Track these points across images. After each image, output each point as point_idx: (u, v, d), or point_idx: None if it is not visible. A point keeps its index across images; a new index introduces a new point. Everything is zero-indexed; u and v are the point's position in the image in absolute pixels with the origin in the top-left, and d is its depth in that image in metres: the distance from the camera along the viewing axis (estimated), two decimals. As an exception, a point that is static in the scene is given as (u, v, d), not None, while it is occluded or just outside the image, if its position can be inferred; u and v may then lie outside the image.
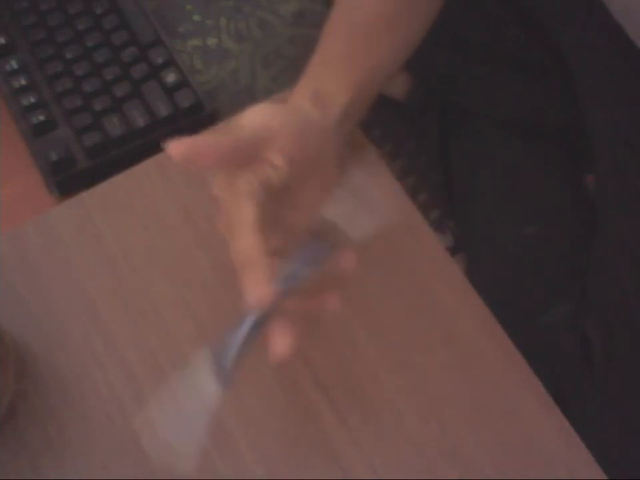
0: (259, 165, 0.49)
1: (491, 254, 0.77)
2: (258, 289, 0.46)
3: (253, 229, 0.48)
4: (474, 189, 0.81)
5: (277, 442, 0.55)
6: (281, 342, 0.47)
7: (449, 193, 0.84)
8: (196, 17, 0.83)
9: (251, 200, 0.48)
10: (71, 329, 0.59)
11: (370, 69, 0.58)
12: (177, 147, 0.46)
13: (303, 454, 0.55)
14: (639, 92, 0.68)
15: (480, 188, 0.80)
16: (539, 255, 0.75)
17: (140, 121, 0.70)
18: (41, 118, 0.71)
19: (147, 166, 0.66)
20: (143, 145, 0.70)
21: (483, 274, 0.75)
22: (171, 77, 0.72)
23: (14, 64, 0.74)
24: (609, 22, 0.65)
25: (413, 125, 0.88)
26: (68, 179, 0.69)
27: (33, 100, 0.72)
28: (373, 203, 0.51)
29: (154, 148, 0.67)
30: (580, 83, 0.73)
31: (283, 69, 0.80)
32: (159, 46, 0.74)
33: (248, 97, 0.78)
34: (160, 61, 0.73)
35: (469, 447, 0.55)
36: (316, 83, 0.56)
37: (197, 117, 0.72)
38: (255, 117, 0.50)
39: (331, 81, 0.56)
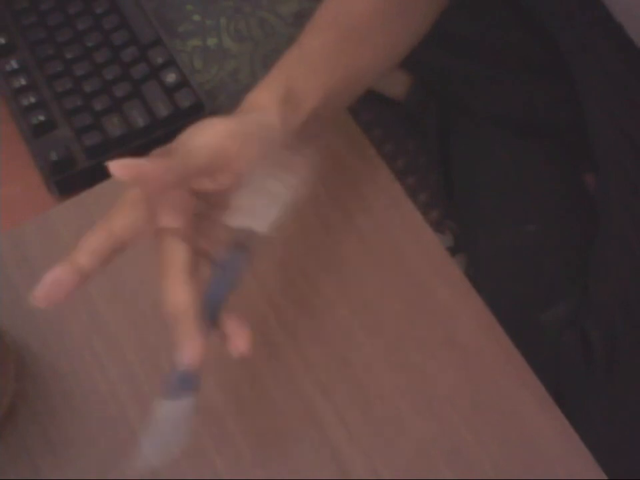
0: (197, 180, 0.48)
1: (491, 253, 0.77)
2: (190, 344, 0.46)
3: (182, 277, 0.47)
4: (474, 189, 0.81)
5: (277, 442, 0.55)
6: (240, 341, 0.47)
7: (449, 193, 0.84)
8: (196, 17, 0.83)
9: (178, 242, 0.47)
10: (71, 329, 0.59)
11: (352, 70, 0.56)
12: (120, 168, 0.45)
13: (302, 454, 0.55)
14: (639, 91, 0.68)
15: (480, 187, 0.80)
16: (539, 254, 0.75)
17: (140, 121, 0.70)
18: (41, 118, 0.71)
19: (147, 166, 0.66)
20: (143, 145, 0.70)
21: (482, 274, 0.75)
22: (170, 77, 0.72)
23: (14, 64, 0.74)
24: (609, 22, 0.65)
25: (413, 125, 0.88)
26: (68, 179, 0.69)
27: (33, 100, 0.72)
28: (269, 189, 0.48)
29: (154, 148, 0.67)
30: (580, 82, 0.73)
31: (283, 69, 0.80)
32: (158, 46, 0.74)
33: (248, 96, 0.78)
34: (160, 61, 0.73)
35: (469, 447, 0.55)
36: (289, 79, 0.53)
37: (196, 117, 0.72)
38: (209, 140, 0.48)
39: (305, 78, 0.54)
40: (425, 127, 0.87)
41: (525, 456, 0.54)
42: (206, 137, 0.49)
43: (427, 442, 0.55)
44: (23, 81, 0.73)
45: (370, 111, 0.88)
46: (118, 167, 0.45)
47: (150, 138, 0.71)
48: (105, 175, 0.65)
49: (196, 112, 0.72)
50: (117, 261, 0.62)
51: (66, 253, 0.62)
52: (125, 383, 0.57)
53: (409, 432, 0.55)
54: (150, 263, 0.62)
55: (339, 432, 0.55)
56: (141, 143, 0.71)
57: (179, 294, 0.46)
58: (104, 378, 0.57)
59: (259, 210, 0.48)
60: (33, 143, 0.71)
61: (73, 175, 0.69)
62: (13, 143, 0.71)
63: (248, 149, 0.48)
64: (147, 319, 0.59)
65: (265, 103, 0.52)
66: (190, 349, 0.46)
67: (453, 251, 0.81)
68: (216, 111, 0.73)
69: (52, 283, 0.45)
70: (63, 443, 0.56)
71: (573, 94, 0.74)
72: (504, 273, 0.76)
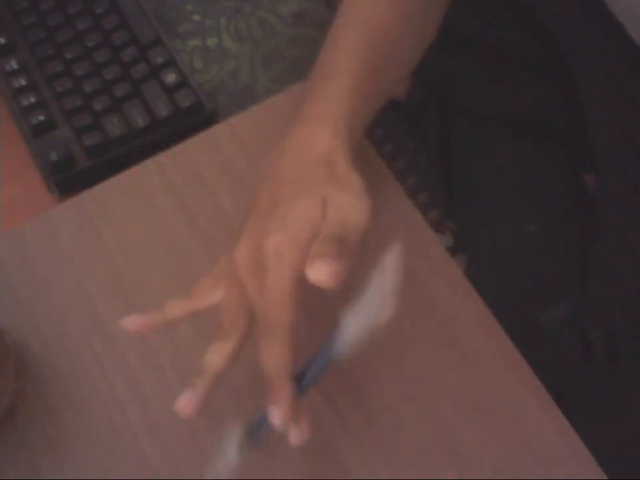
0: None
1: (491, 253, 0.77)
2: (283, 406, 0.46)
3: (287, 340, 0.47)
4: (474, 189, 0.81)
5: (277, 442, 0.55)
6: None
7: (449, 193, 0.84)
8: (196, 17, 0.83)
9: (291, 305, 0.47)
10: (70, 329, 0.59)
11: (381, 93, 0.58)
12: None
13: (303, 454, 0.55)
14: (639, 91, 0.68)
15: (480, 187, 0.80)
16: (539, 254, 0.75)
17: (140, 121, 0.70)
18: (41, 118, 0.71)
19: (147, 166, 0.66)
20: (142, 145, 0.70)
21: (483, 274, 0.75)
22: (170, 77, 0.72)
23: (14, 64, 0.74)
24: (609, 22, 0.65)
25: (413, 125, 0.88)
26: (68, 179, 0.69)
27: (33, 100, 0.72)
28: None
29: (154, 148, 0.68)
30: (580, 82, 0.73)
31: (282, 69, 0.80)
32: (158, 46, 0.74)
33: (248, 96, 0.78)
34: (160, 61, 0.73)
35: (469, 447, 0.55)
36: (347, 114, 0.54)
37: (196, 117, 0.72)
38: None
39: (357, 115, 0.55)
40: (425, 127, 0.87)
41: (525, 456, 0.54)
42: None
43: (427, 442, 0.55)
44: (22, 81, 0.73)
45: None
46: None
47: (150, 138, 0.71)
48: (105, 174, 0.66)
49: (196, 112, 0.72)
50: (117, 260, 0.62)
51: (66, 253, 0.62)
52: (124, 383, 0.57)
53: (409, 432, 0.55)
54: (150, 263, 0.62)
55: (339, 432, 0.55)
56: (141, 143, 0.71)
57: (284, 356, 0.47)
58: (104, 378, 0.57)
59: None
60: (33, 143, 0.71)
61: (73, 175, 0.69)
62: (13, 143, 0.71)
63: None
64: (147, 319, 0.59)
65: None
66: (282, 411, 0.46)
67: (453, 251, 0.81)
68: (216, 111, 0.73)
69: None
70: (63, 442, 0.56)
71: (573, 94, 0.74)
72: (504, 273, 0.76)
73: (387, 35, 0.58)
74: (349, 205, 0.50)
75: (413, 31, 0.60)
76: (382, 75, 0.58)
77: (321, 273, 0.45)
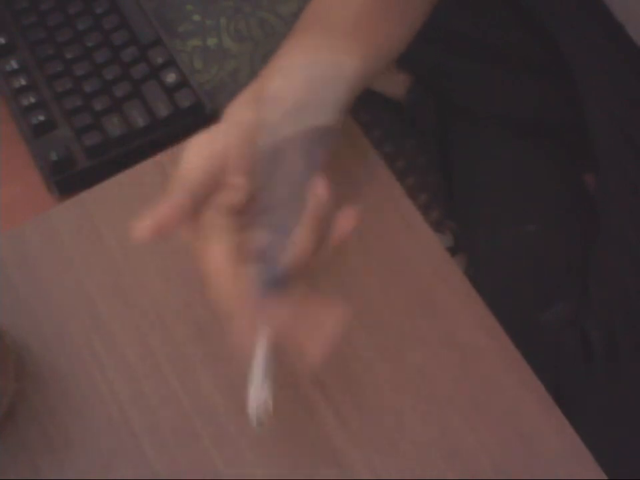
0: (220, 192, 0.48)
1: (491, 253, 0.77)
2: (244, 338, 0.46)
3: (226, 272, 0.47)
4: (474, 188, 0.81)
5: (277, 442, 0.55)
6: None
7: (449, 193, 0.84)
8: (196, 17, 0.83)
9: (219, 239, 0.47)
10: (70, 329, 0.59)
11: (378, 45, 0.57)
12: (143, 230, 0.47)
13: (303, 454, 0.55)
14: (639, 91, 0.68)
15: (480, 187, 0.80)
16: (539, 254, 0.75)
17: (140, 121, 0.70)
18: (41, 118, 0.71)
19: (147, 166, 0.66)
20: (142, 145, 0.70)
21: (483, 274, 0.75)
22: (170, 77, 0.72)
23: (14, 64, 0.74)
24: (609, 22, 0.65)
25: (412, 125, 0.88)
26: (68, 179, 0.69)
27: (33, 100, 0.72)
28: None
29: (154, 148, 0.68)
30: (580, 81, 0.73)
31: (283, 69, 0.80)
32: (158, 46, 0.74)
33: (248, 96, 0.78)
34: (160, 61, 0.73)
35: (469, 447, 0.55)
36: (320, 40, 0.54)
37: (196, 117, 0.72)
38: (194, 156, 0.49)
39: (341, 45, 0.54)
40: (425, 127, 0.87)
41: (525, 456, 0.54)
42: (189, 154, 0.49)
43: (427, 442, 0.55)
44: (22, 81, 0.73)
45: (369, 111, 0.88)
46: (141, 230, 0.47)
47: (150, 138, 0.71)
48: (105, 174, 0.66)
49: (196, 112, 0.72)
50: (117, 260, 0.62)
51: (66, 253, 0.62)
52: (124, 383, 0.57)
53: (409, 432, 0.55)
54: (150, 263, 0.62)
55: (339, 432, 0.55)
56: (141, 143, 0.71)
57: (229, 290, 0.47)
58: (104, 378, 0.57)
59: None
60: (33, 143, 0.71)
61: (73, 175, 0.69)
62: (13, 143, 0.71)
63: (234, 144, 0.49)
64: (147, 319, 0.59)
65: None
66: (245, 343, 0.47)
67: (453, 250, 0.81)
68: (216, 111, 0.73)
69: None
70: (63, 442, 0.56)
71: (573, 94, 0.74)
72: (504, 273, 0.76)
73: (361, 13, 0.57)
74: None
75: (394, 15, 0.59)
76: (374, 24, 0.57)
77: None
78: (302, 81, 0.52)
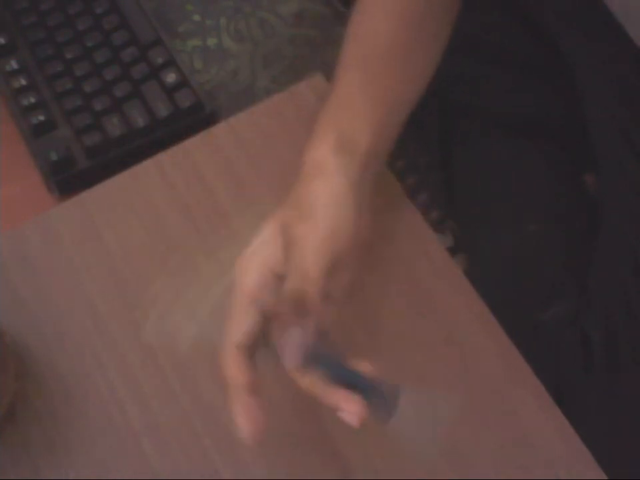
0: None
1: (491, 253, 0.77)
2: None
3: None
4: (474, 188, 0.81)
5: (277, 442, 0.55)
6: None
7: (449, 193, 0.84)
8: (196, 17, 0.83)
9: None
10: (70, 329, 0.59)
11: (391, 102, 0.58)
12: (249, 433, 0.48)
13: (303, 454, 0.55)
14: (639, 91, 0.68)
15: (480, 187, 0.80)
16: (539, 253, 0.75)
17: (140, 121, 0.70)
18: (41, 118, 0.71)
19: (147, 166, 0.66)
20: (142, 145, 0.70)
21: (482, 274, 0.75)
22: (170, 77, 0.72)
23: (14, 64, 0.74)
24: (609, 21, 0.65)
25: (412, 125, 0.88)
26: (68, 179, 0.69)
27: (32, 100, 0.72)
28: None
29: (154, 148, 0.68)
30: (580, 82, 0.73)
31: (283, 69, 0.80)
32: (158, 46, 0.74)
33: (248, 96, 0.78)
34: (160, 61, 0.73)
35: (469, 447, 0.55)
36: (337, 125, 0.55)
37: (196, 117, 0.72)
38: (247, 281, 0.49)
39: (352, 121, 0.55)
40: (425, 127, 0.87)
41: (525, 456, 0.54)
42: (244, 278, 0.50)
43: (427, 442, 0.55)
44: (23, 81, 0.73)
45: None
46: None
47: (150, 138, 0.71)
48: (105, 174, 0.66)
49: (196, 112, 0.72)
50: (117, 260, 0.62)
51: (66, 253, 0.62)
52: (124, 383, 0.57)
53: (409, 432, 0.55)
54: (150, 263, 0.62)
55: (339, 432, 0.55)
56: (141, 143, 0.71)
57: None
58: (104, 378, 0.57)
59: None
60: (33, 143, 0.71)
61: (73, 175, 0.69)
62: (13, 143, 0.71)
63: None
64: (147, 320, 0.59)
65: (321, 157, 0.53)
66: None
67: (453, 250, 0.81)
68: (216, 111, 0.73)
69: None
70: (63, 442, 0.56)
71: (573, 94, 0.74)
72: (504, 273, 0.75)
73: (392, 47, 0.58)
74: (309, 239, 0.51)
75: (424, 43, 0.60)
76: (384, 83, 0.58)
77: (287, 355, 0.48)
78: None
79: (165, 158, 0.66)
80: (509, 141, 0.80)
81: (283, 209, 0.53)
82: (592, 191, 0.79)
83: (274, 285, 0.49)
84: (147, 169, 0.66)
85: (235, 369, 0.48)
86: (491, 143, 0.81)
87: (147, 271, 0.61)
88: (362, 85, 0.57)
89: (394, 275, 0.61)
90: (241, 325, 0.49)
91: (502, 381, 0.57)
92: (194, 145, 0.67)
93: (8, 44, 0.75)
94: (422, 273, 0.61)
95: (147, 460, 0.55)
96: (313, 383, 0.48)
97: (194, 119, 0.72)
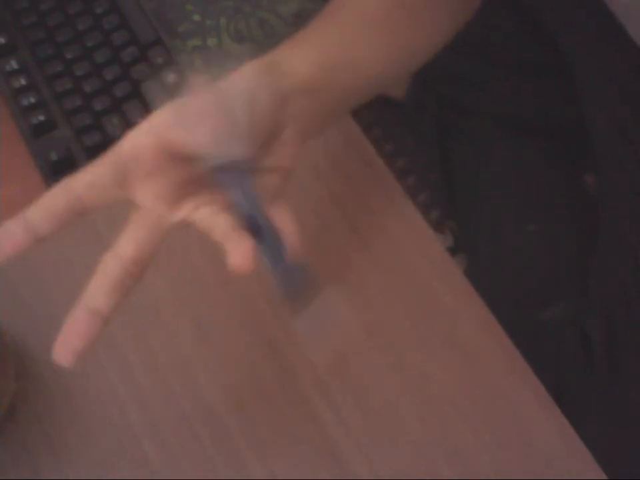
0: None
1: (491, 253, 0.77)
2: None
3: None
4: (474, 188, 0.81)
5: (277, 442, 0.55)
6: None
7: (449, 193, 0.84)
8: (196, 17, 0.83)
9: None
10: (71, 329, 0.59)
11: (350, 60, 0.54)
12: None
13: (302, 454, 0.55)
14: (639, 91, 0.68)
15: (480, 187, 0.80)
16: (539, 253, 0.75)
17: (140, 121, 0.70)
18: (41, 118, 0.71)
19: (147, 166, 0.66)
20: (142, 145, 0.70)
21: (483, 274, 0.75)
22: (171, 77, 0.72)
23: (14, 64, 0.74)
24: (609, 22, 0.65)
25: (412, 125, 0.88)
26: (68, 179, 0.69)
27: (32, 100, 0.72)
28: None
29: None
30: (580, 81, 0.73)
31: (283, 69, 0.80)
32: (158, 46, 0.74)
33: (248, 96, 0.78)
34: (160, 60, 0.73)
35: (469, 447, 0.55)
36: (273, 54, 0.52)
37: (196, 117, 0.72)
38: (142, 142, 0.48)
39: (292, 52, 0.53)
40: (425, 127, 0.87)
41: (525, 456, 0.54)
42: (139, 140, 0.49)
43: (426, 442, 0.55)
44: (23, 81, 0.73)
45: (370, 111, 0.88)
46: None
47: (150, 138, 0.71)
48: (104, 175, 0.66)
49: (196, 112, 0.72)
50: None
51: (66, 253, 0.62)
52: (124, 383, 0.57)
53: (409, 432, 0.55)
54: (150, 263, 0.62)
55: (339, 432, 0.55)
56: (141, 143, 0.70)
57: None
58: (104, 378, 0.57)
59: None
60: (33, 143, 0.71)
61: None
62: (13, 143, 0.71)
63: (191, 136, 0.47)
64: (147, 319, 0.59)
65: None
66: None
67: (453, 250, 0.81)
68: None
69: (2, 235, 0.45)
70: (63, 443, 0.56)
71: (573, 94, 0.74)
72: (504, 273, 0.76)
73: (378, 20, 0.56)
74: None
75: (417, 20, 0.59)
76: (352, 45, 0.55)
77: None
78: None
79: (164, 158, 0.66)
80: (509, 140, 0.80)
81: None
82: (592, 190, 0.79)
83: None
84: (146, 168, 0.66)
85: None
86: (490, 142, 0.81)
87: (146, 270, 0.61)
88: (321, 33, 0.54)
89: (394, 274, 0.61)
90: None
91: (502, 380, 0.57)
92: (194, 144, 0.66)
93: (8, 44, 0.75)
94: (422, 273, 0.61)
95: (147, 460, 0.55)
96: (220, 221, 0.47)
97: (194, 118, 0.72)
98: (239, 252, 0.45)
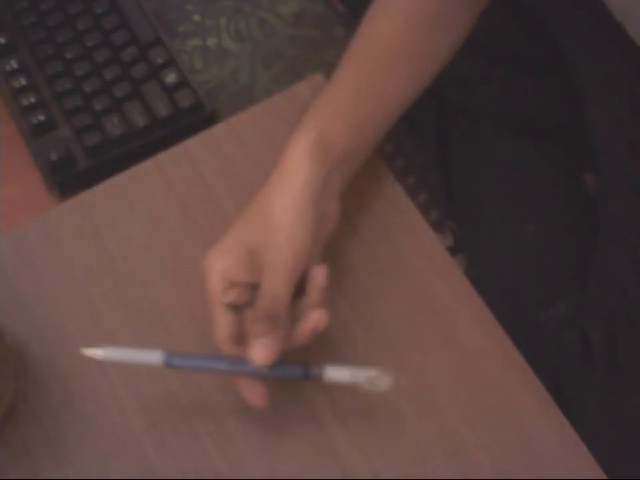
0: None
1: (491, 253, 0.77)
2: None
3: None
4: (474, 189, 0.81)
5: (278, 442, 0.55)
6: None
7: (449, 193, 0.84)
8: (196, 17, 0.83)
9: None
10: (71, 329, 0.59)
11: (380, 101, 0.58)
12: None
13: (302, 454, 0.55)
14: (639, 91, 0.68)
15: (480, 187, 0.80)
16: (539, 253, 0.75)
17: (140, 121, 0.70)
18: (41, 118, 0.71)
19: (147, 166, 0.66)
20: (142, 145, 0.70)
21: (483, 274, 0.75)
22: (171, 77, 0.72)
23: (14, 64, 0.74)
24: (609, 21, 0.65)
25: (412, 125, 0.88)
26: (68, 179, 0.69)
27: (32, 100, 0.72)
28: None
29: (154, 148, 0.68)
30: (580, 81, 0.73)
31: (282, 69, 0.80)
32: (158, 46, 0.74)
33: (248, 97, 0.78)
34: (160, 61, 0.73)
35: (469, 447, 0.55)
36: (317, 123, 0.55)
37: (196, 117, 0.72)
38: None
39: (333, 120, 0.56)
40: (424, 127, 0.87)
41: (525, 456, 0.54)
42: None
43: (426, 442, 0.55)
44: (23, 81, 0.73)
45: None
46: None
47: (150, 138, 0.71)
48: (105, 174, 0.66)
49: (196, 112, 0.72)
50: (117, 260, 0.62)
51: (66, 253, 0.62)
52: (125, 384, 0.57)
53: (409, 432, 0.55)
54: (150, 263, 0.62)
55: (339, 432, 0.55)
56: (141, 143, 0.71)
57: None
58: (104, 378, 0.57)
59: None
60: (33, 143, 0.71)
61: (73, 175, 0.69)
62: (13, 143, 0.71)
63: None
64: (147, 319, 0.59)
65: (296, 154, 0.54)
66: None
67: (453, 250, 0.81)
68: (216, 111, 0.73)
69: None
70: (63, 443, 0.56)
71: (573, 94, 0.74)
72: (504, 273, 0.75)
73: (391, 46, 0.59)
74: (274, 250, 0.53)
75: (428, 45, 0.60)
76: (375, 82, 0.58)
77: (257, 354, 0.50)
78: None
79: (164, 158, 0.66)
80: (509, 140, 0.80)
81: (245, 218, 0.54)
82: (592, 190, 0.79)
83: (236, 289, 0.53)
84: (146, 168, 0.66)
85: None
86: (490, 142, 0.81)
87: (147, 271, 0.61)
88: (352, 82, 0.58)
89: (394, 274, 0.61)
90: (219, 322, 0.53)
91: (502, 381, 0.57)
92: (194, 145, 0.67)
93: (8, 44, 0.75)
94: (422, 273, 0.61)
95: (147, 460, 0.55)
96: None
97: (194, 119, 0.72)
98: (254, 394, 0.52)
